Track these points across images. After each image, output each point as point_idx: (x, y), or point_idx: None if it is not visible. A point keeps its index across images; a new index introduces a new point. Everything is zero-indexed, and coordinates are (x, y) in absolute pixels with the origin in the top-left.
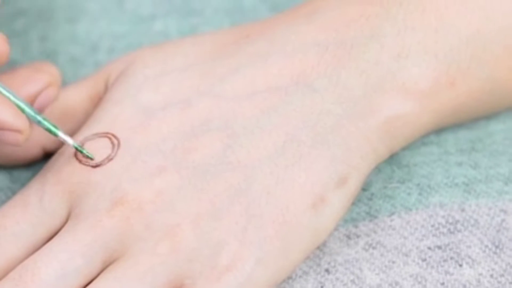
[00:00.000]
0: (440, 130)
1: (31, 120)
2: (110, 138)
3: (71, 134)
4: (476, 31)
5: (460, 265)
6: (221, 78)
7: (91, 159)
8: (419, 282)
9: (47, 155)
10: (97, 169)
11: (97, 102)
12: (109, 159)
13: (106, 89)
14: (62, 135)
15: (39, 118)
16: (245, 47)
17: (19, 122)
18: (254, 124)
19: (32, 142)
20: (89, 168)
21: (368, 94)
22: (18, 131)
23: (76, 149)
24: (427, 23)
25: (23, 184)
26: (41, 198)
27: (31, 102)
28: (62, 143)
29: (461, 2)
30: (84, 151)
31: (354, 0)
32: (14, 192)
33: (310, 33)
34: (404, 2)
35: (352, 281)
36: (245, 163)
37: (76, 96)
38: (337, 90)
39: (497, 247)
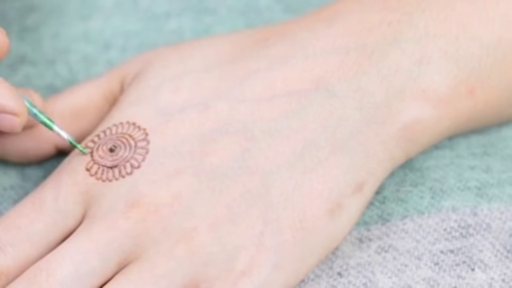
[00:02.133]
0: None
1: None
2: (127, 139)
3: (85, 132)
4: (497, 40)
5: (473, 269)
6: (240, 81)
7: (85, 153)
8: (432, 286)
9: (59, 153)
10: (114, 170)
11: (111, 101)
12: (126, 160)
13: (122, 89)
14: (57, 129)
15: (35, 110)
16: (265, 50)
17: (17, 104)
18: (273, 128)
19: (44, 139)
20: (105, 168)
21: (388, 100)
22: (15, 114)
23: (71, 143)
24: (448, 30)
25: (35, 182)
26: (56, 199)
27: None
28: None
29: (483, 11)
30: (79, 146)
31: (375, 6)
32: (25, 191)
33: (331, 38)
34: (426, 9)
35: (365, 285)
36: (263, 167)
37: (89, 94)
38: (357, 95)
39: (509, 251)
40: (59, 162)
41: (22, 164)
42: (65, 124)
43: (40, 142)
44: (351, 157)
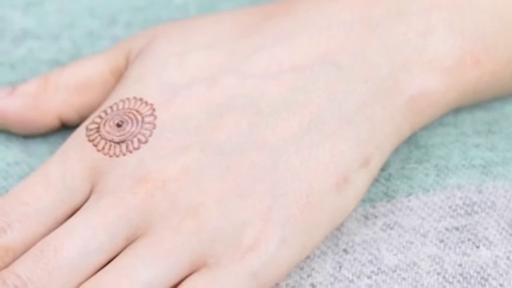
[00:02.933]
0: (457, 111)
1: None
2: (134, 115)
3: (90, 107)
4: (501, 9)
5: (477, 247)
6: (246, 57)
7: None
8: (437, 263)
9: (64, 127)
10: (121, 145)
11: (117, 75)
12: (133, 135)
13: (127, 64)
14: None
15: None
16: (270, 26)
17: None
18: (280, 103)
19: (47, 109)
20: (112, 144)
21: (393, 72)
22: None
23: None
24: (452, 1)
25: (40, 158)
26: (63, 175)
27: None
28: (79, 114)
29: None
30: None
31: None
32: (30, 166)
33: (336, 12)
34: None
35: (370, 261)
36: (270, 142)
37: (95, 68)
38: (363, 68)
39: None
40: (63, 137)
41: (26, 137)
42: (70, 96)
43: (43, 113)
44: (358, 131)
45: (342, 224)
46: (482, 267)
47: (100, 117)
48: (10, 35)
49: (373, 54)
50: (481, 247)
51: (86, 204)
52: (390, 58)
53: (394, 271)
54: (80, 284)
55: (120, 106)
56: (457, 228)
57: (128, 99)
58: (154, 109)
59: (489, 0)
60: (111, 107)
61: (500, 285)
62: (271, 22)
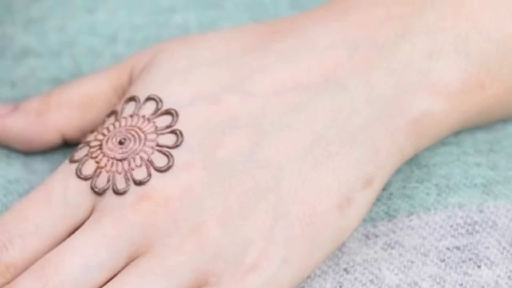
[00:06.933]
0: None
1: None
2: (136, 132)
3: (92, 125)
4: (507, 35)
5: (479, 266)
6: (250, 75)
7: None
8: (438, 283)
9: (65, 144)
10: (123, 162)
11: (120, 92)
12: (135, 153)
13: (130, 81)
14: None
15: None
16: (274, 43)
17: None
18: (283, 122)
19: (50, 127)
20: (114, 161)
21: (398, 93)
22: None
23: None
24: (458, 25)
25: (40, 175)
26: (65, 191)
27: None
28: (81, 131)
29: (493, 7)
30: None
31: (386, 0)
32: (30, 183)
33: (341, 31)
34: (436, 4)
35: (371, 281)
36: (273, 161)
37: (98, 86)
38: (367, 89)
39: None
40: (64, 155)
41: (26, 154)
42: (73, 114)
43: (46, 130)
44: (361, 151)
45: (343, 244)
46: (483, 287)
47: (103, 134)
48: (11, 53)
49: (377, 75)
50: (483, 267)
51: (87, 221)
52: (395, 79)
53: None
54: None
55: (123, 123)
56: (458, 248)
57: (131, 116)
58: (156, 127)
59: (495, 25)
60: (113, 124)
61: None
62: (276, 40)
